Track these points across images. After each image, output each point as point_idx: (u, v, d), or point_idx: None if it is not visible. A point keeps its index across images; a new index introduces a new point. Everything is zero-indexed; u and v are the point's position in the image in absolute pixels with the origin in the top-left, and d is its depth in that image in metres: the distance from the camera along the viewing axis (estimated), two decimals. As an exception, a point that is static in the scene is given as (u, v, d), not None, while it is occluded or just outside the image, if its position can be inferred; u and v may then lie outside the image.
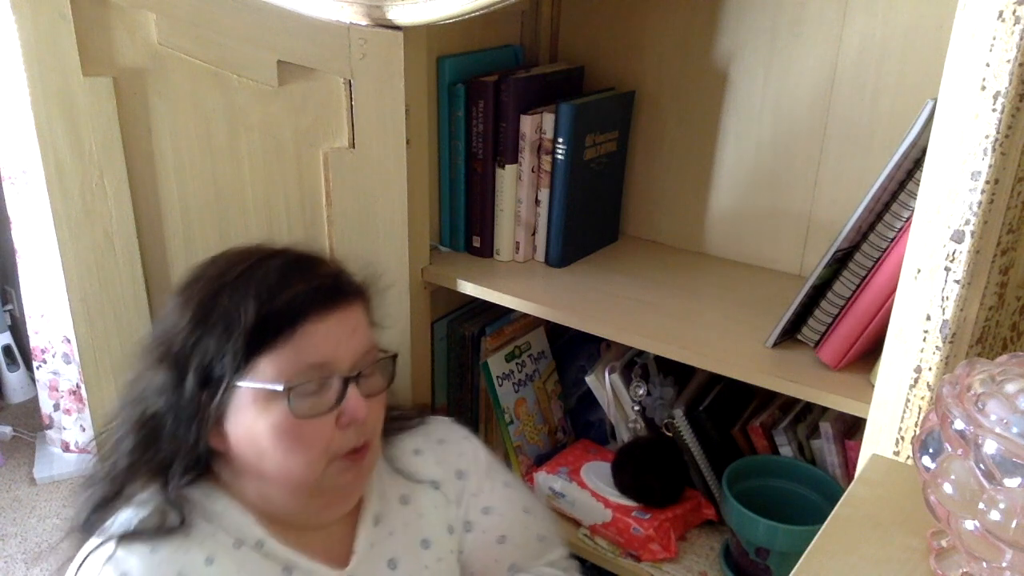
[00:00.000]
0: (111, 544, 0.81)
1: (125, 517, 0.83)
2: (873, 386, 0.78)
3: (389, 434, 0.98)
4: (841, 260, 0.95)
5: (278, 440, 0.80)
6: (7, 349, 2.52)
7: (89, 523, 0.85)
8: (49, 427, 2.31)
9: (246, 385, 0.79)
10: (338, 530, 0.91)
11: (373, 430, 0.86)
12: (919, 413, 0.74)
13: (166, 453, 0.84)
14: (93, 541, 0.82)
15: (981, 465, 0.50)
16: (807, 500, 1.14)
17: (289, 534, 0.87)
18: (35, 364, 2.26)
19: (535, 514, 1.03)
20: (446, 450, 1.01)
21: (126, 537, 0.81)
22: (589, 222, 1.30)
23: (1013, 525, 0.49)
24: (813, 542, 0.61)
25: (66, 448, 2.29)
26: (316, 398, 0.80)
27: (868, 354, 0.95)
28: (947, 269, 0.69)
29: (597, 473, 1.29)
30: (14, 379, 2.54)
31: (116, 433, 0.85)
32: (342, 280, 0.86)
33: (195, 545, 0.83)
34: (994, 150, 0.64)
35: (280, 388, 0.78)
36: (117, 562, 0.80)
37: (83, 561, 0.81)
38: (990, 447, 0.49)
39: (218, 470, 0.86)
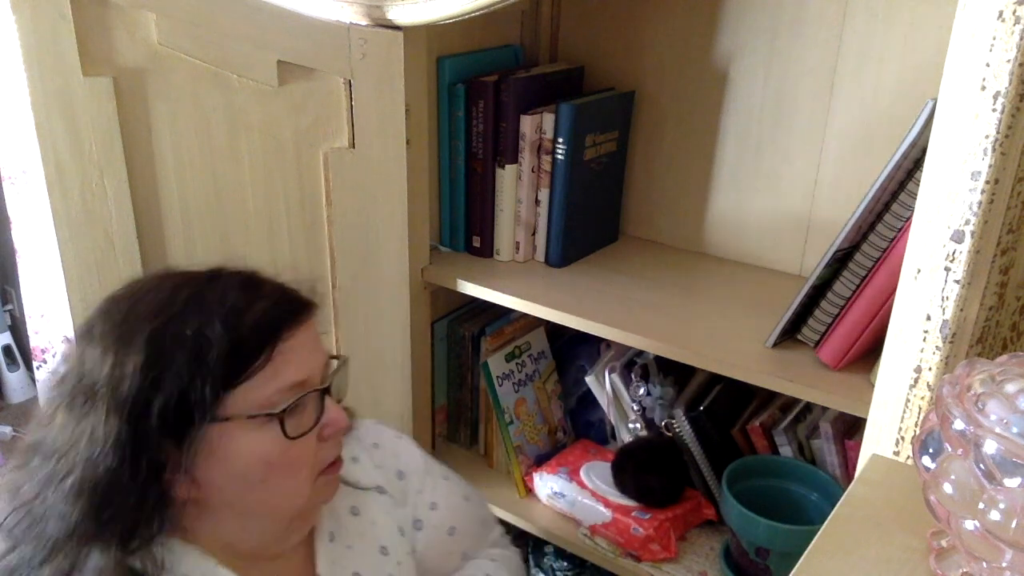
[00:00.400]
0: None
1: None
2: (873, 386, 0.78)
3: None
4: (841, 260, 0.95)
5: (271, 468, 0.75)
6: (7, 349, 2.52)
7: None
8: (49, 427, 2.31)
9: (229, 419, 0.72)
10: (298, 556, 0.88)
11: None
12: (919, 413, 0.74)
13: (124, 517, 0.72)
14: None
15: (981, 465, 0.50)
16: (807, 500, 1.15)
17: (252, 570, 0.83)
18: (35, 364, 2.25)
19: (474, 500, 1.04)
20: (382, 453, 0.99)
21: None
22: (589, 222, 1.30)
23: (1013, 525, 0.49)
24: (813, 542, 0.61)
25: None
26: (301, 417, 0.77)
27: (868, 354, 0.95)
28: (947, 269, 0.69)
29: (597, 473, 1.29)
30: (14, 379, 2.54)
31: (44, 503, 0.72)
32: (295, 292, 0.81)
33: None
34: (994, 150, 0.64)
35: (275, 412, 0.73)
36: None
37: None
38: (990, 447, 0.49)
39: (176, 520, 0.76)
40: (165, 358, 0.71)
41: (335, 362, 0.83)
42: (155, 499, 0.73)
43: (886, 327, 0.75)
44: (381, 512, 0.95)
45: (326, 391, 0.79)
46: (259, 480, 0.76)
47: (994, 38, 0.62)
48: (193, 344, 0.71)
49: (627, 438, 1.30)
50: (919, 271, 0.71)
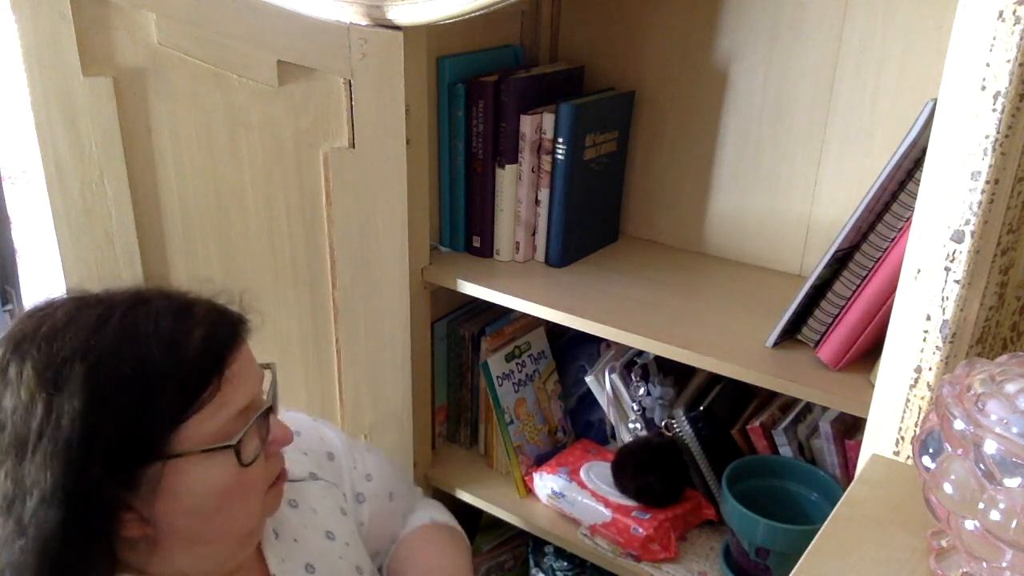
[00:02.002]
0: None
1: None
2: (873, 386, 0.78)
3: None
4: (841, 260, 0.95)
5: (226, 497, 0.73)
6: (7, 349, 2.52)
7: None
8: (49, 427, 2.31)
9: (181, 455, 0.69)
10: (248, 561, 0.86)
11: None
12: (919, 413, 0.74)
13: (74, 567, 0.68)
14: None
15: (981, 465, 0.50)
16: (807, 500, 1.15)
17: None
18: (35, 364, 2.25)
19: (396, 464, 1.08)
20: (306, 440, 0.98)
21: None
22: (589, 222, 1.30)
23: (1013, 525, 0.49)
24: (813, 542, 0.61)
25: None
26: (252, 441, 0.75)
27: (868, 354, 0.95)
28: (947, 269, 0.69)
29: (597, 473, 1.29)
30: (14, 379, 2.54)
31: None
32: (227, 311, 0.78)
33: None
34: (994, 150, 0.64)
35: (231, 444, 0.71)
36: None
37: None
38: (990, 447, 0.49)
39: (130, 558, 0.74)
40: (106, 400, 0.66)
41: (268, 373, 0.80)
42: (105, 544, 0.69)
43: (886, 327, 0.75)
44: (319, 498, 0.95)
45: (269, 409, 0.78)
46: (214, 510, 0.74)
47: (994, 38, 0.62)
48: (135, 382, 0.67)
49: (627, 438, 1.30)
50: (919, 271, 0.71)
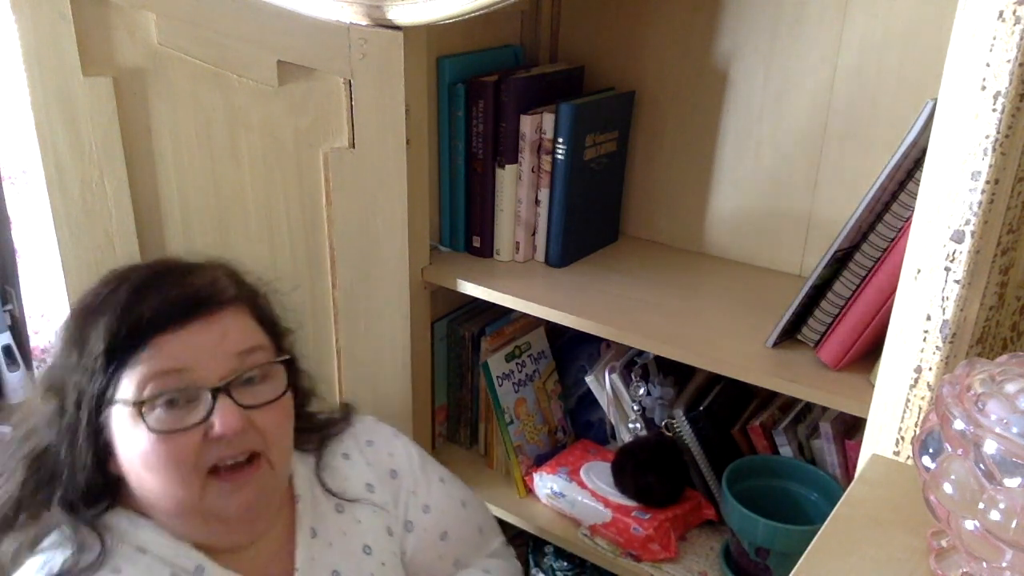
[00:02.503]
0: None
1: (39, 566, 0.78)
2: (873, 386, 0.78)
3: (321, 444, 0.96)
4: (841, 260, 0.95)
5: (143, 459, 0.77)
6: (7, 349, 2.52)
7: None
8: (49, 427, 2.31)
9: (113, 404, 0.77)
10: (276, 547, 0.87)
11: (267, 441, 0.81)
12: (919, 413, 0.74)
13: (66, 485, 0.80)
14: None
15: (981, 465, 0.50)
16: (807, 500, 1.15)
17: (227, 557, 0.83)
18: (35, 364, 2.25)
19: (472, 507, 1.03)
20: (375, 451, 0.99)
21: None
22: (589, 222, 1.30)
23: (1013, 525, 0.49)
24: (813, 542, 0.61)
25: None
26: (183, 411, 0.76)
27: (868, 354, 0.95)
28: (947, 269, 0.69)
29: (597, 473, 1.29)
30: (14, 379, 2.54)
31: (7, 470, 0.82)
32: (206, 288, 0.82)
33: None
34: (994, 150, 0.64)
35: (132, 401, 0.76)
36: None
37: None
38: (990, 447, 0.49)
39: (131, 496, 0.82)
40: (73, 351, 0.79)
41: (258, 362, 0.81)
42: (95, 472, 0.80)
43: (886, 327, 0.75)
44: (367, 511, 0.94)
45: (220, 390, 0.77)
46: (141, 470, 0.78)
47: (994, 38, 0.62)
48: (87, 339, 0.78)
49: (627, 438, 1.30)
50: (919, 271, 0.71)
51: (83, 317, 0.80)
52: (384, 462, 0.98)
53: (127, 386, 0.77)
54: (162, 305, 0.78)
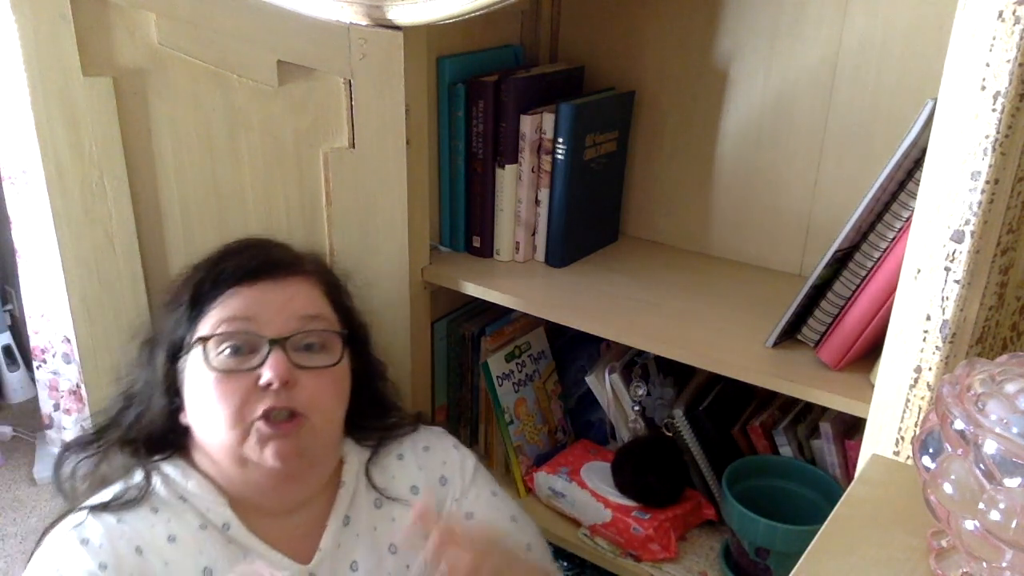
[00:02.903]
0: (84, 512, 0.85)
1: (108, 489, 0.88)
2: (873, 386, 0.78)
3: (382, 443, 1.00)
4: (841, 260, 0.95)
5: (203, 398, 0.85)
6: (7, 349, 2.52)
7: (63, 484, 0.93)
8: (49, 427, 2.31)
9: (188, 348, 0.87)
10: (307, 524, 0.91)
11: (309, 403, 0.86)
12: (919, 413, 0.74)
13: (142, 425, 0.90)
14: (73, 511, 0.87)
15: (981, 465, 0.50)
16: (807, 500, 1.14)
17: (257, 520, 0.89)
18: (35, 364, 2.26)
19: (523, 525, 1.03)
20: (430, 457, 1.01)
21: (99, 507, 0.86)
22: (589, 222, 1.30)
23: (1013, 525, 0.49)
24: (813, 542, 0.61)
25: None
26: (243, 357, 0.85)
27: (868, 354, 0.95)
28: (947, 269, 0.69)
29: (597, 473, 1.29)
30: (14, 379, 2.54)
31: (108, 405, 0.96)
32: (288, 257, 0.93)
33: (161, 522, 0.86)
34: (994, 150, 0.64)
35: (199, 335, 0.86)
36: (82, 529, 0.84)
37: (56, 524, 0.86)
38: (990, 447, 0.49)
39: (191, 449, 0.91)
40: (168, 303, 0.92)
41: (317, 328, 0.89)
42: (166, 419, 0.89)
43: (886, 327, 0.75)
44: (404, 512, 0.96)
45: (276, 343, 0.84)
46: (200, 408, 0.86)
47: (994, 38, 0.62)
48: (177, 291, 0.91)
49: (627, 438, 1.30)
50: (919, 271, 0.71)
51: (183, 277, 0.92)
52: (436, 468, 1.00)
53: (202, 328, 0.86)
54: (242, 262, 0.89)
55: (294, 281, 0.90)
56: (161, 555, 0.84)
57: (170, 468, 0.90)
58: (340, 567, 0.91)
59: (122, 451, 0.91)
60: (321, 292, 0.93)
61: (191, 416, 0.88)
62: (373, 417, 1.01)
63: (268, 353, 0.84)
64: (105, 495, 0.87)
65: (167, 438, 0.91)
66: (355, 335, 0.97)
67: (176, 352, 0.88)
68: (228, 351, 0.85)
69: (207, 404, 0.85)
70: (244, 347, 0.85)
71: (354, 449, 0.98)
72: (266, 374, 0.83)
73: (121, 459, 0.90)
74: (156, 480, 0.89)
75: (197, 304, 0.87)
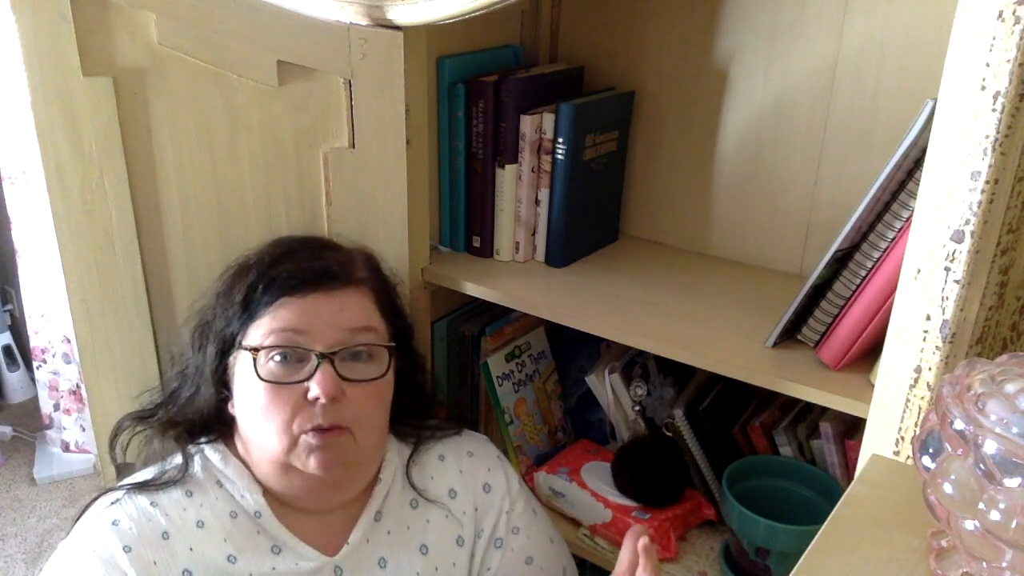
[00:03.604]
0: (121, 491, 0.88)
1: (149, 468, 0.92)
2: (873, 386, 0.78)
3: (422, 441, 1.01)
4: (841, 260, 0.95)
5: (251, 404, 0.86)
6: (7, 349, 2.52)
7: (115, 454, 0.97)
8: (49, 427, 2.31)
9: (241, 348, 0.88)
10: (339, 519, 0.92)
11: (354, 418, 0.87)
12: (919, 413, 0.74)
13: (191, 408, 0.92)
14: (115, 487, 0.90)
15: (981, 465, 0.50)
16: (807, 500, 1.14)
17: (289, 512, 0.90)
18: (35, 364, 2.26)
19: (559, 547, 1.04)
20: (474, 462, 1.02)
21: (136, 487, 0.89)
22: (589, 222, 1.30)
23: (1013, 525, 0.49)
24: (813, 542, 0.61)
25: (66, 448, 2.29)
26: (292, 368, 0.86)
27: (868, 354, 0.95)
28: (947, 269, 0.69)
29: (597, 473, 1.29)
30: (14, 379, 2.54)
31: (166, 381, 1.00)
32: (341, 265, 0.91)
33: (193, 507, 0.88)
34: (994, 150, 0.64)
35: (250, 346, 0.86)
36: (115, 507, 0.87)
37: (95, 499, 0.89)
38: (990, 447, 0.49)
39: (234, 436, 0.93)
40: (222, 298, 0.91)
41: (366, 342, 0.89)
42: (213, 408, 0.91)
43: (886, 327, 0.75)
44: (439, 515, 0.97)
45: (325, 357, 0.85)
46: (248, 411, 0.87)
47: (994, 38, 0.62)
48: (230, 285, 0.91)
49: (627, 438, 1.30)
50: (919, 271, 0.71)
51: (237, 271, 0.93)
52: (479, 475, 1.01)
53: (253, 335, 0.87)
54: (296, 270, 0.88)
55: (346, 292, 0.90)
56: (188, 540, 0.86)
57: (211, 451, 0.92)
58: (367, 562, 0.92)
59: (168, 431, 0.93)
60: (371, 300, 0.93)
61: (239, 412, 0.90)
62: (415, 413, 1.01)
63: (317, 367, 0.84)
64: (146, 474, 0.90)
65: (212, 424, 0.93)
66: (402, 336, 0.98)
67: (227, 348, 0.89)
68: (276, 361, 0.85)
69: (256, 410, 0.86)
70: (292, 357, 0.86)
71: (395, 446, 0.99)
72: (314, 389, 0.84)
73: (166, 440, 0.93)
74: (196, 462, 0.91)
75: (249, 306, 0.88)
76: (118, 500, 0.87)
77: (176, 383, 0.96)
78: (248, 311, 0.88)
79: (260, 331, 0.87)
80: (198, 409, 0.92)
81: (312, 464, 0.85)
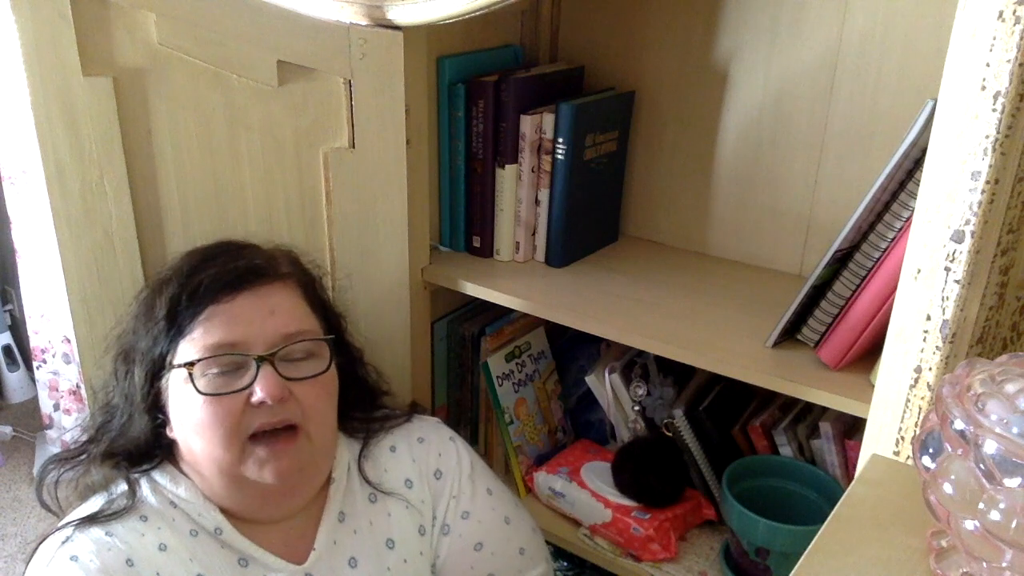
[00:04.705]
0: (69, 528, 0.83)
1: (91, 503, 0.87)
2: (873, 386, 0.78)
3: (371, 434, 0.99)
4: (841, 260, 0.95)
5: (192, 422, 0.83)
6: (7, 349, 2.52)
7: (46, 499, 0.91)
8: (49, 427, 2.31)
9: (172, 367, 0.84)
10: (300, 525, 0.90)
11: (306, 415, 0.85)
12: (919, 413, 0.74)
13: (124, 439, 0.88)
14: (59, 526, 0.85)
15: (981, 465, 0.50)
16: (807, 500, 1.15)
17: (249, 525, 0.88)
18: (35, 364, 2.25)
19: (517, 526, 1.01)
20: (425, 449, 1.00)
21: (85, 521, 0.84)
22: (589, 222, 1.30)
23: (1013, 525, 0.49)
24: (813, 542, 0.61)
25: (66, 448, 2.29)
26: (230, 377, 0.82)
27: (868, 354, 0.95)
28: (947, 269, 0.69)
29: (597, 473, 1.29)
30: (14, 379, 2.54)
31: (87, 418, 0.94)
32: (261, 263, 0.89)
33: (151, 531, 0.84)
34: (994, 150, 0.64)
35: (183, 363, 0.82)
36: (69, 546, 0.82)
37: (41, 543, 0.84)
38: (990, 447, 0.49)
39: (178, 458, 0.90)
40: (141, 318, 0.87)
41: (304, 339, 0.86)
42: (149, 433, 0.87)
43: (886, 327, 0.75)
44: (399, 506, 0.95)
45: (264, 360, 0.82)
46: (190, 431, 0.84)
47: (994, 38, 0.62)
48: (152, 307, 0.86)
49: (627, 438, 1.30)
50: (919, 271, 0.71)
51: (154, 287, 0.89)
52: (431, 461, 0.99)
53: (184, 350, 0.83)
54: (219, 274, 0.85)
55: (273, 289, 0.87)
56: (153, 564, 0.82)
57: (159, 475, 0.88)
58: (338, 564, 0.90)
59: (104, 463, 0.88)
60: (300, 295, 0.90)
61: (179, 434, 0.86)
62: (360, 406, 0.99)
63: (257, 371, 0.82)
64: (91, 507, 0.85)
65: (151, 451, 0.89)
66: (335, 329, 0.95)
67: (156, 370, 0.85)
68: (213, 373, 0.82)
69: (198, 427, 0.83)
70: (230, 366, 0.83)
71: (344, 442, 0.97)
72: (258, 393, 0.81)
73: (104, 471, 0.88)
74: (144, 488, 0.87)
75: (175, 321, 0.84)
76: (69, 538, 0.82)
77: (103, 417, 0.90)
78: (175, 326, 0.84)
79: (193, 345, 0.83)
80: (134, 438, 0.87)
81: (268, 474, 0.83)
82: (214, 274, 0.85)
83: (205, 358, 0.82)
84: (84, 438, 0.92)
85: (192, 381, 0.81)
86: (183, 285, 0.85)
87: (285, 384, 0.83)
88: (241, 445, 0.82)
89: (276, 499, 0.88)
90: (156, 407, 0.86)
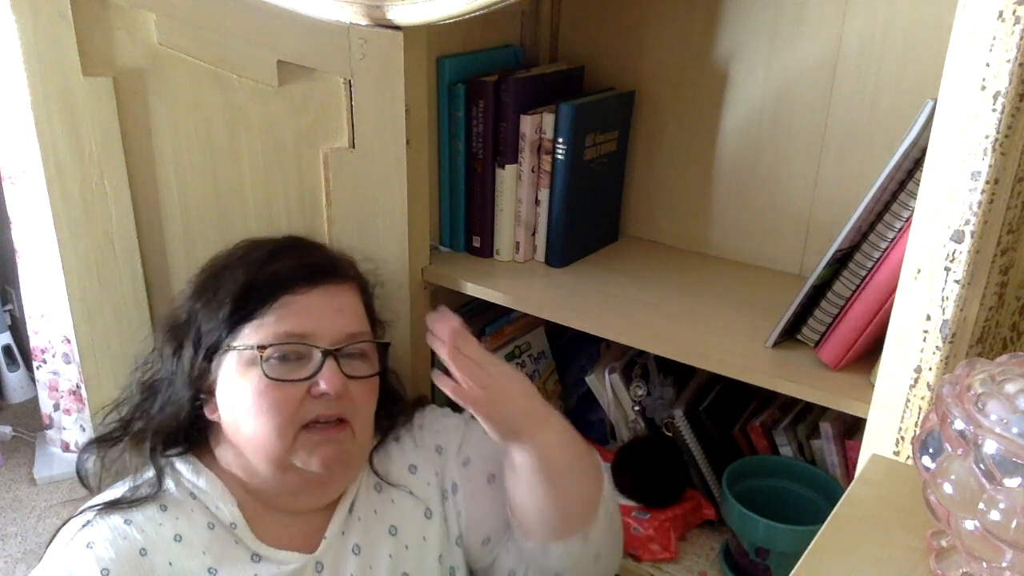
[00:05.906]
0: (91, 512, 0.86)
1: (116, 488, 0.90)
2: (873, 386, 0.78)
3: (386, 432, 1.01)
4: (841, 260, 0.95)
5: (251, 404, 0.85)
6: (7, 349, 2.52)
7: (87, 479, 0.94)
8: (49, 427, 2.31)
9: (232, 350, 0.86)
10: (316, 518, 0.93)
11: (355, 411, 0.89)
12: (919, 413, 0.74)
13: (163, 416, 0.90)
14: (82, 509, 0.88)
15: (981, 465, 0.50)
16: (807, 500, 1.14)
17: (265, 518, 0.90)
18: (35, 364, 2.25)
19: None
20: (425, 433, 1.03)
21: (107, 506, 0.87)
22: (589, 222, 1.30)
23: (1013, 525, 0.49)
24: (813, 542, 0.61)
25: (66, 448, 2.29)
26: (293, 365, 0.85)
27: (868, 354, 0.95)
28: (947, 269, 0.69)
29: (597, 473, 1.28)
30: (14, 379, 2.54)
31: (124, 396, 0.95)
32: (333, 262, 0.92)
33: (169, 521, 0.87)
34: (994, 150, 0.64)
35: (256, 347, 0.85)
36: (88, 531, 0.85)
37: (65, 523, 0.88)
38: (990, 447, 0.49)
39: (211, 444, 0.92)
40: (203, 298, 0.89)
41: (365, 340, 0.90)
42: (188, 413, 0.89)
43: (886, 327, 0.75)
44: (403, 494, 0.98)
45: (329, 353, 0.86)
46: (245, 410, 0.86)
47: (994, 38, 0.62)
48: (219, 289, 0.88)
49: (627, 438, 1.30)
50: (919, 271, 0.71)
51: (217, 270, 0.91)
52: (431, 441, 1.02)
53: (249, 334, 0.86)
54: (295, 267, 0.88)
55: (342, 288, 0.91)
56: (166, 555, 0.85)
57: (181, 464, 0.91)
58: (343, 552, 0.92)
59: (141, 443, 0.91)
60: (360, 298, 0.95)
61: (226, 416, 0.88)
62: (384, 408, 1.02)
63: (322, 364, 0.85)
64: (115, 492, 0.89)
65: (187, 432, 0.91)
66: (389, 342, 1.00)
67: (211, 351, 0.88)
68: (278, 359, 0.85)
69: (254, 410, 0.85)
70: (295, 355, 0.86)
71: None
72: (321, 385, 0.85)
73: (138, 453, 0.91)
74: (167, 478, 0.90)
75: (243, 308, 0.87)
76: (90, 522, 0.85)
77: (143, 395, 0.93)
78: (241, 311, 0.86)
79: (260, 331, 0.86)
80: (173, 416, 0.90)
81: (315, 462, 0.86)
82: (292, 266, 0.89)
83: (277, 344, 0.85)
84: (125, 416, 0.94)
85: (261, 364, 0.84)
86: (256, 273, 0.88)
87: (345, 380, 0.86)
88: (295, 433, 0.85)
89: (314, 488, 0.91)
90: (201, 387, 0.89)
